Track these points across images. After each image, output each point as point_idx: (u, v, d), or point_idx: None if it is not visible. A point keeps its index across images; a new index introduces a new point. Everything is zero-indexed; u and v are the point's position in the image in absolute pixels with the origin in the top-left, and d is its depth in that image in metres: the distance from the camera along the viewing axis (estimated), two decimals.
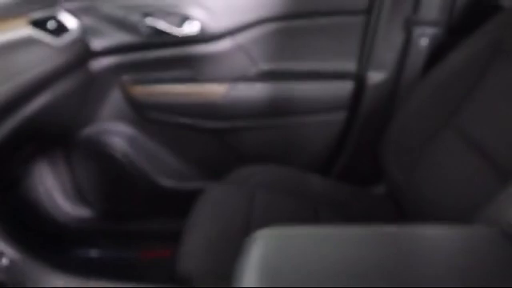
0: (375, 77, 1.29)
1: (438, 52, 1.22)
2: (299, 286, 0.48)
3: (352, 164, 1.41)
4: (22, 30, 1.04)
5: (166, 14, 1.26)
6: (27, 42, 1.04)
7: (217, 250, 0.91)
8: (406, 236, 0.59)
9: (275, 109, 1.36)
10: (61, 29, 1.19)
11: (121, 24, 1.27)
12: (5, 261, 0.77)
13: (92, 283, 0.88)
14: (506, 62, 0.95)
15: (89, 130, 1.41)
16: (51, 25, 1.16)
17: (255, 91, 1.34)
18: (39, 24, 1.11)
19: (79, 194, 1.52)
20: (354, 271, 0.51)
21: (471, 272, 0.51)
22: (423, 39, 1.21)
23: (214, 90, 1.34)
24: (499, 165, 0.85)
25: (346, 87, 1.33)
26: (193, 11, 1.25)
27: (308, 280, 0.49)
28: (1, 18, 1.00)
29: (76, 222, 1.53)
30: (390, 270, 0.51)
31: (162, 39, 1.29)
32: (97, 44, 1.28)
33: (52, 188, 1.48)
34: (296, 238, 0.57)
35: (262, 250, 0.54)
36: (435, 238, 0.59)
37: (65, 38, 1.17)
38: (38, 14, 1.13)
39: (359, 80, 1.33)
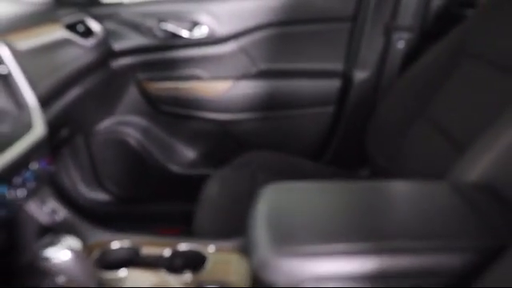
0: (359, 75, 1.44)
1: (412, 53, 1.37)
2: (299, 223, 0.65)
3: (340, 150, 1.54)
4: (58, 32, 1.19)
5: (178, 19, 1.42)
6: (63, 43, 1.19)
7: (226, 214, 1.07)
8: (380, 187, 0.78)
9: (272, 103, 1.51)
10: (88, 32, 1.35)
11: (138, 28, 1.43)
12: (58, 217, 0.92)
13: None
14: (468, 61, 1.10)
15: (108, 122, 1.57)
16: (80, 28, 1.33)
17: (255, 88, 1.50)
18: (71, 27, 1.28)
19: (97, 180, 1.65)
20: (340, 212, 0.69)
21: (424, 210, 0.69)
22: (400, 42, 1.37)
23: (219, 87, 1.50)
24: (461, 145, 0.97)
25: (334, 84, 1.49)
26: (202, 18, 1.42)
27: (306, 218, 0.67)
28: (39, 23, 1.16)
29: (93, 205, 1.65)
30: (366, 210, 0.69)
31: (174, 42, 1.45)
32: (117, 46, 1.44)
33: (73, 174, 1.62)
34: (295, 190, 0.75)
35: (269, 197, 0.72)
36: (401, 189, 0.77)
37: (91, 40, 1.33)
38: (70, 19, 1.30)
39: (346, 78, 1.48)
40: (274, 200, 0.71)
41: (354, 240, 0.60)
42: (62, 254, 0.64)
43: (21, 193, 0.76)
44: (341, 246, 0.59)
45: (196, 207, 1.16)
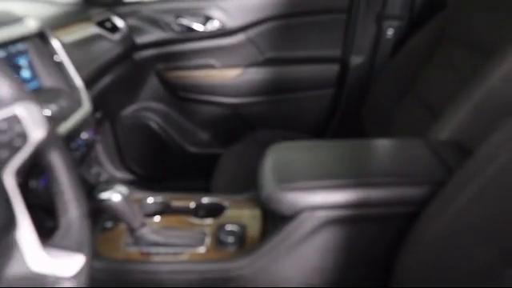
0: (355, 60, 1.61)
1: (401, 39, 1.52)
2: (297, 167, 0.83)
3: (340, 127, 1.70)
4: (91, 29, 1.37)
5: (192, 15, 1.60)
6: (96, 38, 1.37)
7: (238, 177, 1.25)
8: (365, 143, 0.95)
9: (278, 87, 1.68)
10: (114, 28, 1.54)
11: (157, 24, 1.61)
12: (102, 178, 1.10)
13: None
14: (448, 45, 1.25)
15: (131, 108, 1.75)
16: (108, 25, 1.51)
17: (262, 74, 1.67)
18: (100, 24, 1.46)
19: (122, 161, 1.83)
20: (331, 160, 0.87)
21: (398, 157, 0.87)
22: (390, 30, 1.52)
23: (230, 74, 1.67)
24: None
25: (332, 69, 1.65)
26: (214, 13, 1.59)
27: (302, 164, 0.85)
28: (75, 21, 1.34)
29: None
30: (352, 158, 0.87)
31: (189, 35, 1.62)
32: (139, 40, 1.62)
33: (101, 156, 1.81)
34: (294, 147, 0.94)
35: (273, 152, 0.90)
36: (382, 143, 0.95)
37: (117, 35, 1.51)
38: (99, 17, 1.48)
39: (343, 63, 1.64)
40: (277, 154, 0.90)
41: (340, 177, 0.78)
42: (114, 196, 0.82)
43: (75, 157, 0.95)
44: (330, 182, 0.77)
45: (211, 182, 1.32)
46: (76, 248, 0.52)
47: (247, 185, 1.07)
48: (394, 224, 0.77)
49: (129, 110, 1.75)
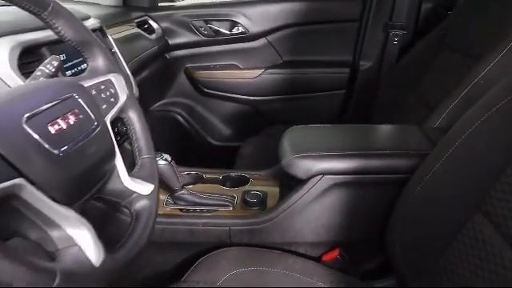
0: (364, 64, 1.78)
1: (406, 46, 1.69)
2: (311, 142, 1.02)
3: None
4: (133, 28, 1.58)
5: (220, 20, 1.79)
6: (137, 36, 1.56)
7: (260, 160, 1.42)
8: (369, 126, 1.13)
9: (294, 87, 1.85)
10: (151, 30, 1.74)
11: (189, 27, 1.80)
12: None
13: None
14: (446, 51, 1.39)
15: (161, 103, 1.93)
16: (145, 27, 1.72)
17: (280, 75, 1.84)
18: (139, 25, 1.66)
19: None
20: (338, 138, 1.05)
21: (394, 137, 1.05)
22: (396, 38, 1.69)
23: (252, 74, 1.85)
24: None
25: (344, 72, 1.82)
26: (239, 19, 1.79)
27: (315, 140, 1.03)
28: (118, 22, 1.54)
29: None
30: (357, 137, 1.05)
31: (216, 38, 1.81)
32: (171, 41, 1.81)
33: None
34: (308, 128, 1.12)
35: (290, 132, 1.09)
36: (383, 128, 1.13)
37: (153, 36, 1.71)
38: (138, 19, 1.68)
39: (353, 67, 1.81)
40: (294, 133, 1.08)
41: (346, 150, 0.96)
42: (160, 162, 1.01)
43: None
44: (337, 153, 0.95)
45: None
46: (148, 179, 0.71)
47: (265, 166, 1.25)
48: (389, 188, 0.94)
49: (158, 105, 1.93)
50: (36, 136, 0.47)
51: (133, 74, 1.41)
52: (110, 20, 1.43)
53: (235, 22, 1.79)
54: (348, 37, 1.82)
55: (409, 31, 1.71)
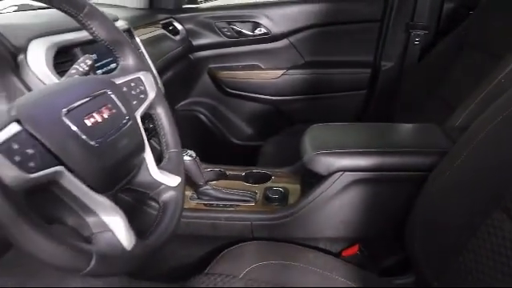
0: (386, 65, 1.78)
1: (428, 46, 1.68)
2: (331, 140, 1.04)
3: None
4: (158, 30, 1.62)
5: (242, 21, 1.82)
6: (163, 37, 1.60)
7: (281, 158, 1.45)
8: (390, 125, 1.15)
9: (316, 87, 1.86)
10: (175, 31, 1.79)
11: (212, 29, 1.84)
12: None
13: None
14: (469, 49, 1.40)
15: (185, 102, 1.97)
16: (170, 28, 1.76)
17: (302, 75, 1.86)
18: (165, 27, 1.71)
19: None
20: (358, 136, 1.07)
21: (414, 135, 1.06)
22: (418, 38, 1.69)
23: (274, 74, 1.87)
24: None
25: (365, 72, 1.83)
26: (261, 20, 1.81)
27: (335, 138, 1.05)
28: (145, 23, 1.58)
29: None
30: (376, 135, 1.07)
31: (239, 39, 1.84)
32: (195, 42, 1.85)
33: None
34: (328, 126, 1.14)
35: (312, 131, 1.11)
36: (404, 126, 1.14)
37: (178, 37, 1.75)
38: (163, 21, 1.73)
39: (375, 67, 1.81)
40: (315, 131, 1.11)
41: (365, 147, 0.98)
42: (186, 157, 1.05)
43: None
44: (357, 150, 0.97)
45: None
46: (175, 171, 0.74)
47: (287, 164, 1.28)
48: (409, 185, 0.96)
49: (182, 104, 1.97)
50: (74, 128, 0.51)
51: (158, 73, 1.46)
52: (137, 22, 1.47)
53: (258, 23, 1.82)
54: (369, 37, 1.82)
55: (430, 31, 1.70)
